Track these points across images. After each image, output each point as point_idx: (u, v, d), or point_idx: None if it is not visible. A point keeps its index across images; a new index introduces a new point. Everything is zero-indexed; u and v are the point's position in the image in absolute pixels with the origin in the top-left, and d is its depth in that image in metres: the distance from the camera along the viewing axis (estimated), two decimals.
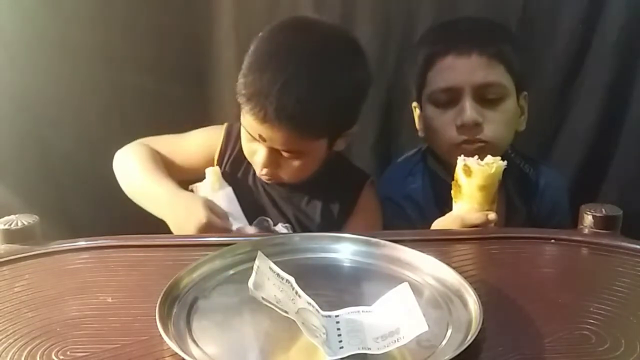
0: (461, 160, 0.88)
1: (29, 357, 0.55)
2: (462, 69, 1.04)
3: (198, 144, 1.09)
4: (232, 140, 1.07)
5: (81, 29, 1.19)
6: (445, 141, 1.07)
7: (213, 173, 1.03)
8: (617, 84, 1.26)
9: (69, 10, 1.18)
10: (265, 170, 0.99)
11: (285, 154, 0.96)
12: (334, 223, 1.03)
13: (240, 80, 0.94)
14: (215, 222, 0.91)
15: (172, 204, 0.96)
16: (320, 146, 0.98)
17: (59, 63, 1.19)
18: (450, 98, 1.05)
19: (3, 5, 1.15)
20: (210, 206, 0.93)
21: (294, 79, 0.89)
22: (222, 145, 1.07)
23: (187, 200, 0.96)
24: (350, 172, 1.10)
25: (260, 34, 0.97)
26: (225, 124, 1.09)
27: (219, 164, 1.07)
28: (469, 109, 1.03)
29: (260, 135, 0.94)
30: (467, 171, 0.87)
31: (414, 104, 1.15)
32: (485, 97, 1.04)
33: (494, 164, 0.86)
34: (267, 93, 0.89)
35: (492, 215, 0.88)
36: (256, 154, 0.98)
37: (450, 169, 1.09)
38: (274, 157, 0.97)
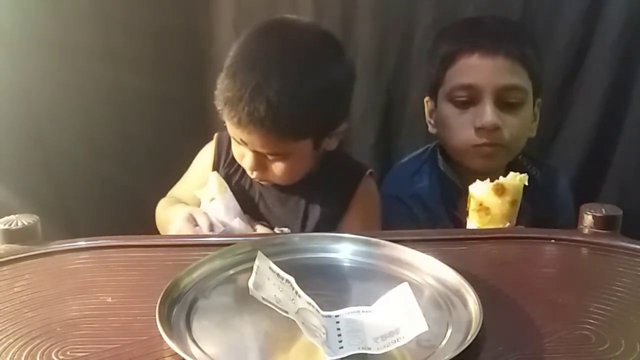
0: (484, 183, 0.87)
1: (29, 357, 0.55)
2: (486, 69, 1.03)
3: (197, 169, 1.11)
4: (223, 147, 1.08)
5: (81, 29, 1.19)
6: (461, 142, 1.06)
7: (216, 177, 1.03)
8: (617, 84, 1.26)
9: (69, 10, 1.18)
10: (255, 174, 1.00)
11: (269, 156, 0.96)
12: (332, 217, 1.03)
13: (218, 86, 0.94)
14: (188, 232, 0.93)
15: (167, 220, 1.00)
16: (304, 147, 0.97)
17: (59, 63, 1.19)
18: (470, 97, 1.04)
19: (3, 5, 1.15)
20: (195, 216, 0.95)
21: (264, 82, 0.89)
22: (214, 154, 1.08)
23: (175, 212, 0.99)
24: (347, 166, 1.09)
25: (241, 39, 0.98)
26: (216, 134, 1.10)
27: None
28: (489, 112, 1.02)
29: (241, 140, 0.95)
30: (500, 190, 0.86)
31: (426, 98, 1.15)
32: (506, 100, 1.03)
33: (523, 177, 0.87)
34: (239, 98, 0.90)
35: (521, 229, 0.89)
36: (244, 157, 0.99)
37: (461, 170, 1.09)
38: (260, 160, 0.97)
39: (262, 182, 1.03)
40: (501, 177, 0.87)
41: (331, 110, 0.97)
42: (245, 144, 0.95)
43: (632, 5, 1.22)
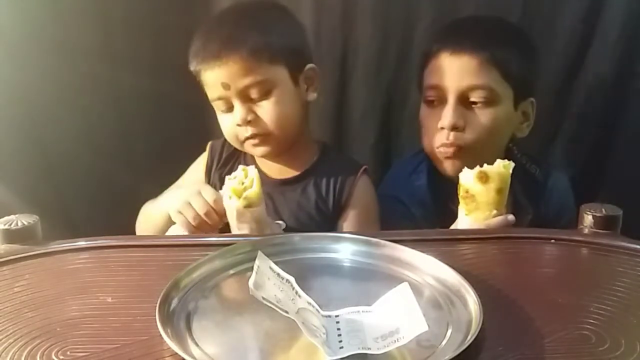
0: (472, 171, 0.87)
1: (29, 357, 0.55)
2: (450, 70, 1.03)
3: (189, 175, 1.12)
4: (216, 152, 1.10)
5: (81, 29, 1.19)
6: (429, 143, 1.08)
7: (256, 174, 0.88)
8: (617, 84, 1.26)
9: (69, 10, 1.18)
10: (250, 130, 1.00)
11: (254, 93, 0.98)
12: (329, 215, 1.04)
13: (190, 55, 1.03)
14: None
15: (159, 211, 1.02)
16: (282, 77, 1.00)
17: (58, 63, 1.19)
18: (438, 97, 1.05)
19: (3, 5, 1.15)
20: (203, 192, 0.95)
21: (224, 20, 1.04)
22: (207, 159, 1.11)
23: (168, 197, 1.02)
24: (342, 162, 1.11)
25: None
26: (209, 143, 1.13)
27: (207, 178, 1.09)
28: (449, 112, 1.03)
29: (223, 84, 0.98)
30: (484, 178, 0.86)
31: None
32: (470, 100, 1.03)
33: (508, 165, 0.87)
34: (207, 37, 1.01)
35: (511, 217, 0.89)
36: (235, 119, 1.00)
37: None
38: (248, 108, 0.99)
39: (258, 147, 1.03)
40: (485, 165, 0.88)
41: (290, 40, 1.04)
42: (227, 87, 0.98)
43: (632, 5, 1.22)
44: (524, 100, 1.07)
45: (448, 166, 1.07)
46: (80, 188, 1.25)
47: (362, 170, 1.07)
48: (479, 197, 0.88)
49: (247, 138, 1.02)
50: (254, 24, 1.01)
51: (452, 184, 1.08)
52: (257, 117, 1.00)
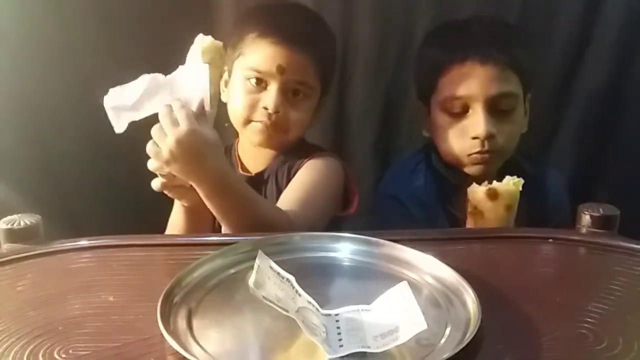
0: (481, 187, 0.88)
1: (31, 355, 0.55)
2: (478, 79, 1.02)
3: None
4: None
5: (81, 29, 1.19)
6: (456, 151, 1.06)
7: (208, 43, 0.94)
8: (615, 84, 1.26)
9: (69, 10, 1.18)
10: (273, 117, 1.00)
11: (294, 92, 1.01)
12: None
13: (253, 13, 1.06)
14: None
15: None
16: (317, 92, 1.05)
17: (59, 63, 1.19)
18: (463, 107, 1.04)
19: (4, 5, 1.15)
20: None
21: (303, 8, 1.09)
22: None
23: None
24: (302, 148, 1.10)
25: None
26: None
27: None
28: (484, 121, 1.02)
29: (279, 67, 0.98)
30: (494, 195, 0.87)
31: (419, 102, 1.15)
32: (498, 108, 1.03)
33: (518, 182, 0.87)
34: (297, 14, 1.05)
35: None
36: (262, 101, 1.00)
37: (455, 168, 1.10)
38: (284, 97, 1.01)
39: (263, 132, 1.02)
40: (495, 182, 0.88)
41: (334, 69, 1.12)
42: (281, 71, 0.98)
43: (630, 5, 1.22)
44: (526, 96, 1.08)
45: (476, 170, 1.06)
46: (83, 188, 1.26)
47: (316, 154, 1.07)
48: (488, 214, 0.87)
49: (259, 122, 1.01)
50: (316, 25, 1.06)
51: (451, 184, 1.09)
52: (286, 111, 1.01)
